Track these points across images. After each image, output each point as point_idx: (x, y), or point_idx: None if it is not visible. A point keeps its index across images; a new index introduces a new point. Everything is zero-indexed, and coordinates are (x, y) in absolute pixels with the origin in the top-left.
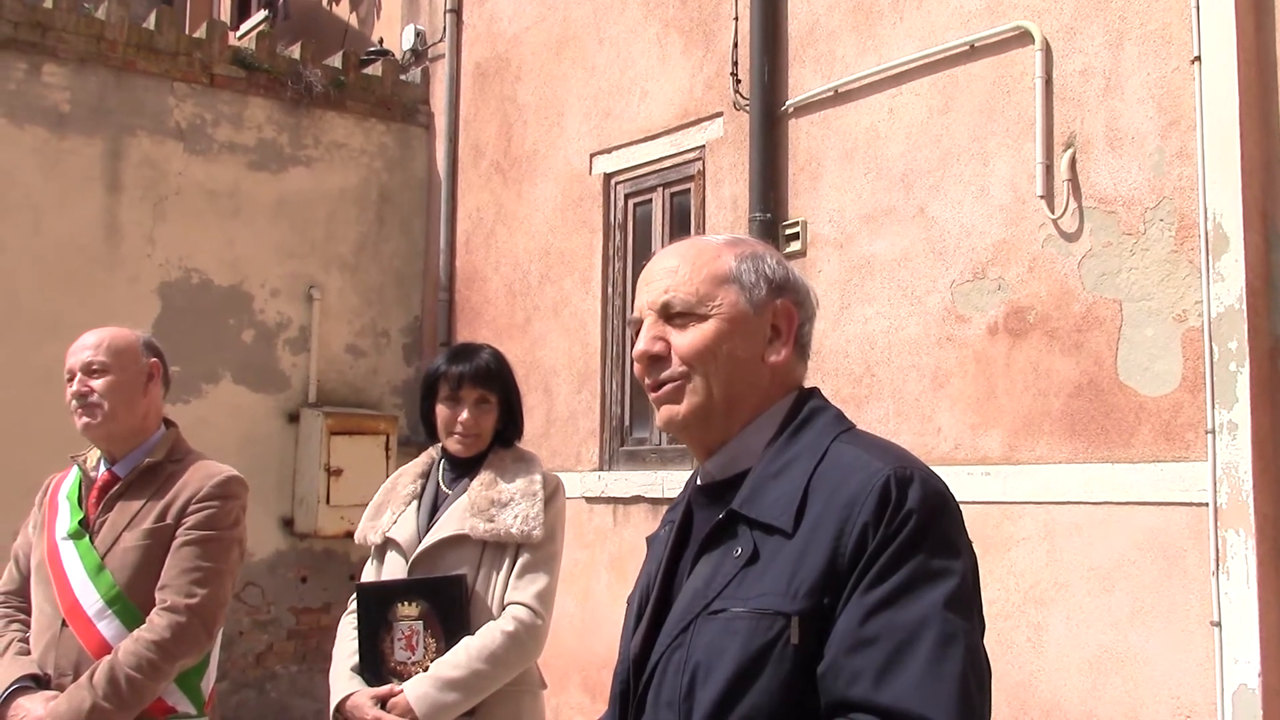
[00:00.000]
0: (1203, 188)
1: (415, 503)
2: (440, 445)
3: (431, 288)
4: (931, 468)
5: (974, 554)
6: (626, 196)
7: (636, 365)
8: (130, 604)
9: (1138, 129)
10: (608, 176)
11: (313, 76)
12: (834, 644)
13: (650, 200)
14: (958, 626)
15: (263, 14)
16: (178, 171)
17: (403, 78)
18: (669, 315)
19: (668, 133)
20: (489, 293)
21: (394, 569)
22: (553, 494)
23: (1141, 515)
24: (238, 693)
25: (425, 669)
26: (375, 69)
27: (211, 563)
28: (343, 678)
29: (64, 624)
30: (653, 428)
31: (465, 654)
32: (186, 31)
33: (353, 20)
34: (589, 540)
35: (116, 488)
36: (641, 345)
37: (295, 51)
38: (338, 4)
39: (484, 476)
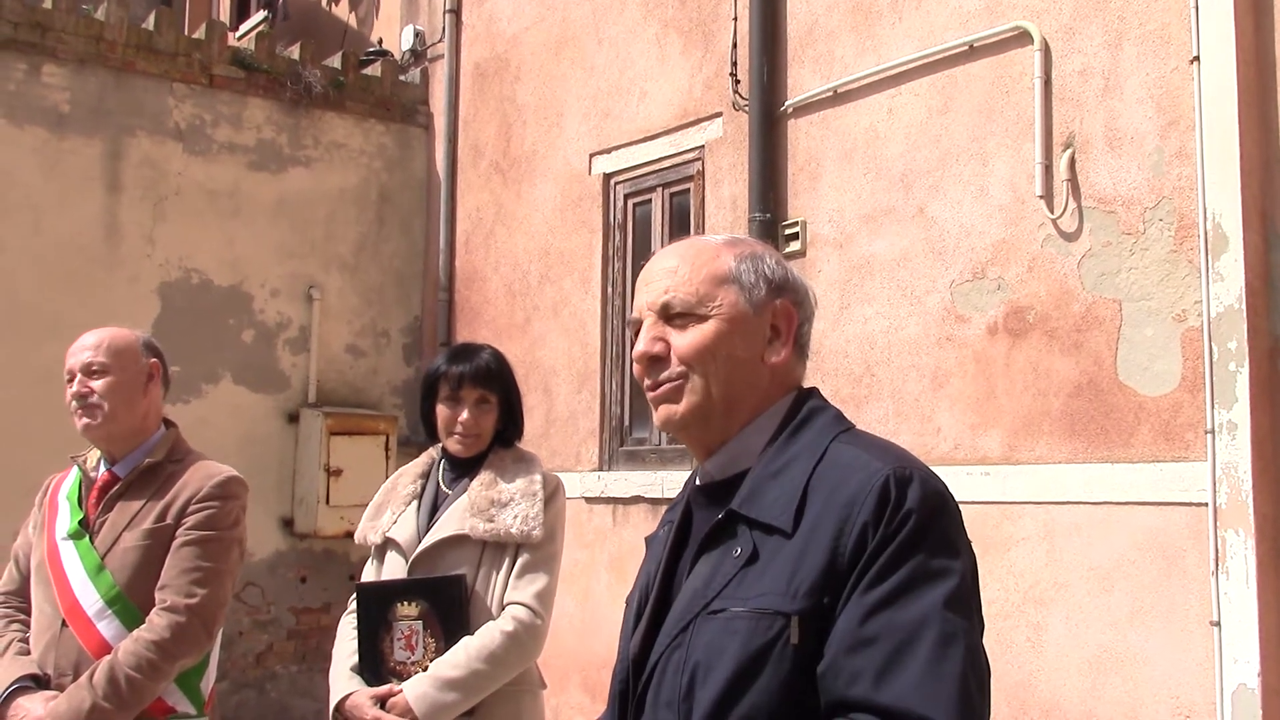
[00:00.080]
0: (1202, 187)
1: (415, 503)
2: (440, 445)
3: (431, 288)
4: (931, 468)
5: (973, 553)
6: (626, 196)
7: (636, 366)
8: (130, 604)
9: (1137, 129)
10: (607, 177)
11: (312, 77)
12: (834, 644)
13: (650, 200)
14: (957, 626)
15: (262, 14)
16: (177, 172)
17: (402, 78)
18: (669, 316)
19: (667, 133)
20: (489, 293)
21: (394, 569)
22: (553, 494)
23: (1141, 515)
24: (238, 693)
25: (425, 669)
26: (374, 69)
27: (211, 563)
28: (342, 677)
29: (64, 624)
30: (652, 428)
31: (465, 654)
32: (186, 32)
33: (352, 21)
34: (589, 540)
35: (116, 488)
36: (641, 346)
37: (294, 52)
38: (337, 4)
39: (484, 476)
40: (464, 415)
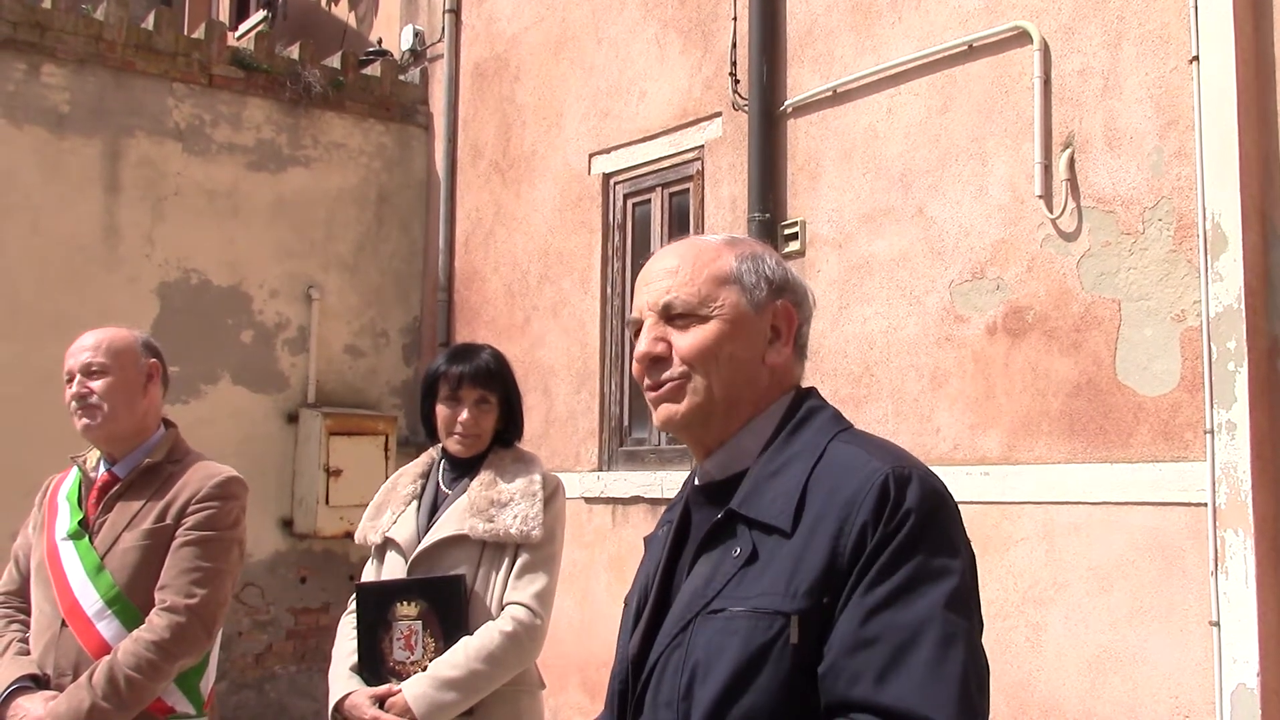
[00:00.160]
0: (1201, 187)
1: (415, 503)
2: (440, 445)
3: (430, 288)
4: (930, 468)
5: (972, 551)
6: (625, 196)
7: (636, 366)
8: (130, 604)
9: (1136, 129)
10: (606, 177)
11: (311, 77)
12: (835, 644)
13: (649, 200)
14: (958, 627)
15: (261, 14)
16: (176, 172)
17: (401, 78)
18: (670, 316)
19: (666, 133)
20: (488, 293)
21: (394, 569)
22: (552, 494)
23: (1140, 515)
24: (237, 693)
25: (424, 669)
26: (374, 69)
27: (211, 563)
28: (341, 677)
29: (63, 624)
30: (652, 428)
31: (464, 654)
32: (185, 32)
33: (351, 20)
34: (588, 540)
35: (116, 488)
36: (643, 347)
37: (294, 52)
38: (336, 4)
39: (484, 477)
40: (464, 415)
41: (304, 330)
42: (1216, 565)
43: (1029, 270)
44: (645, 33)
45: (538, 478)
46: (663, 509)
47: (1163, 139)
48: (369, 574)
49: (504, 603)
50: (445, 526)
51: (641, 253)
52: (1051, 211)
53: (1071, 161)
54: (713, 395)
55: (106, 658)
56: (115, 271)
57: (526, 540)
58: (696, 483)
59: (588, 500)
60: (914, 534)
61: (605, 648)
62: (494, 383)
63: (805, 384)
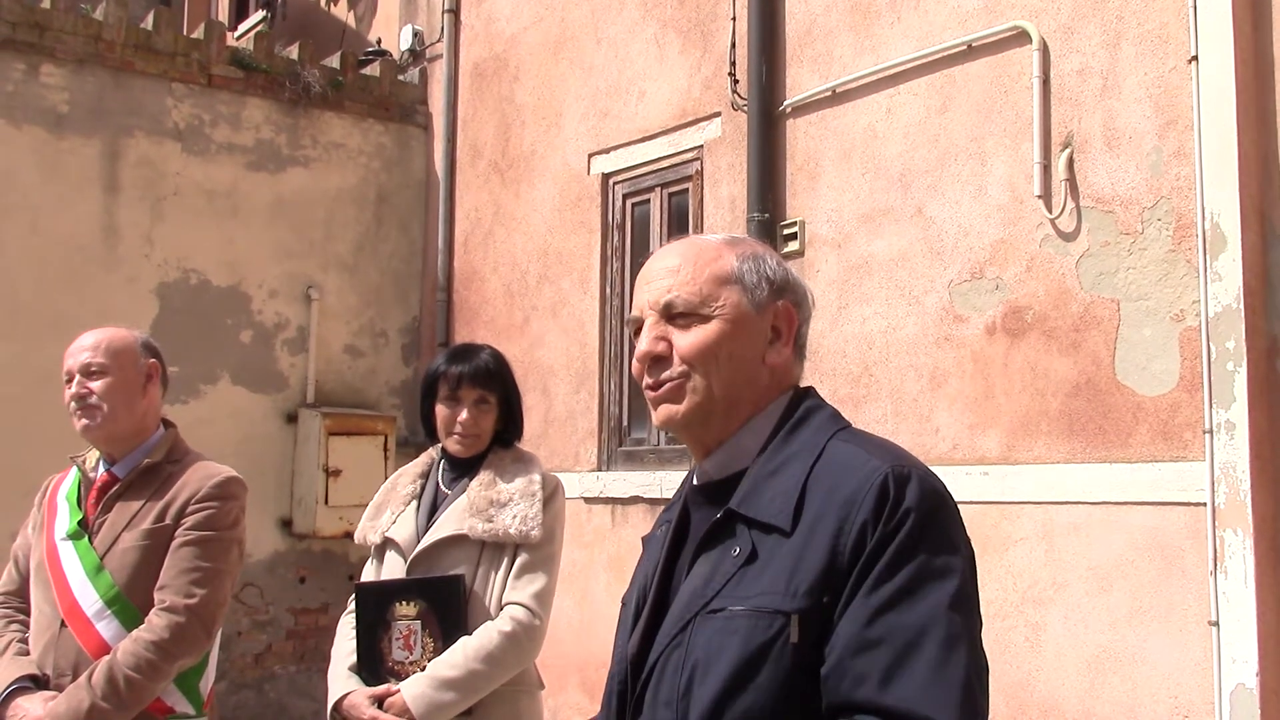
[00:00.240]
0: (1200, 187)
1: (415, 503)
2: (440, 445)
3: (430, 288)
4: (930, 468)
5: (972, 549)
6: (624, 196)
7: (636, 365)
8: (129, 604)
9: (1135, 128)
10: (606, 177)
11: (311, 77)
12: (838, 646)
13: (648, 200)
14: (961, 627)
15: (261, 14)
16: (176, 172)
17: (400, 78)
18: (671, 315)
19: (665, 133)
20: (487, 293)
21: (393, 569)
22: (552, 494)
23: (1139, 515)
24: (236, 693)
25: (423, 669)
26: (373, 69)
27: (210, 563)
28: (340, 677)
29: (63, 624)
30: (651, 428)
31: (462, 654)
32: (184, 32)
33: (350, 20)
34: (587, 540)
35: (116, 488)
36: (644, 346)
37: (293, 52)
38: (335, 4)
39: (483, 477)
40: (463, 415)
41: (303, 330)
42: (1216, 565)
43: (1028, 270)
44: (644, 33)
45: (537, 478)
46: (662, 509)
47: (1162, 139)
48: (368, 574)
49: (503, 603)
50: (444, 526)
51: (641, 253)
52: (1050, 211)
53: (1070, 161)
54: (713, 395)
55: (106, 658)
56: (114, 271)
57: (525, 540)
58: (695, 482)
59: (587, 500)
60: (914, 533)
61: (604, 648)
62: (493, 383)
63: (804, 384)
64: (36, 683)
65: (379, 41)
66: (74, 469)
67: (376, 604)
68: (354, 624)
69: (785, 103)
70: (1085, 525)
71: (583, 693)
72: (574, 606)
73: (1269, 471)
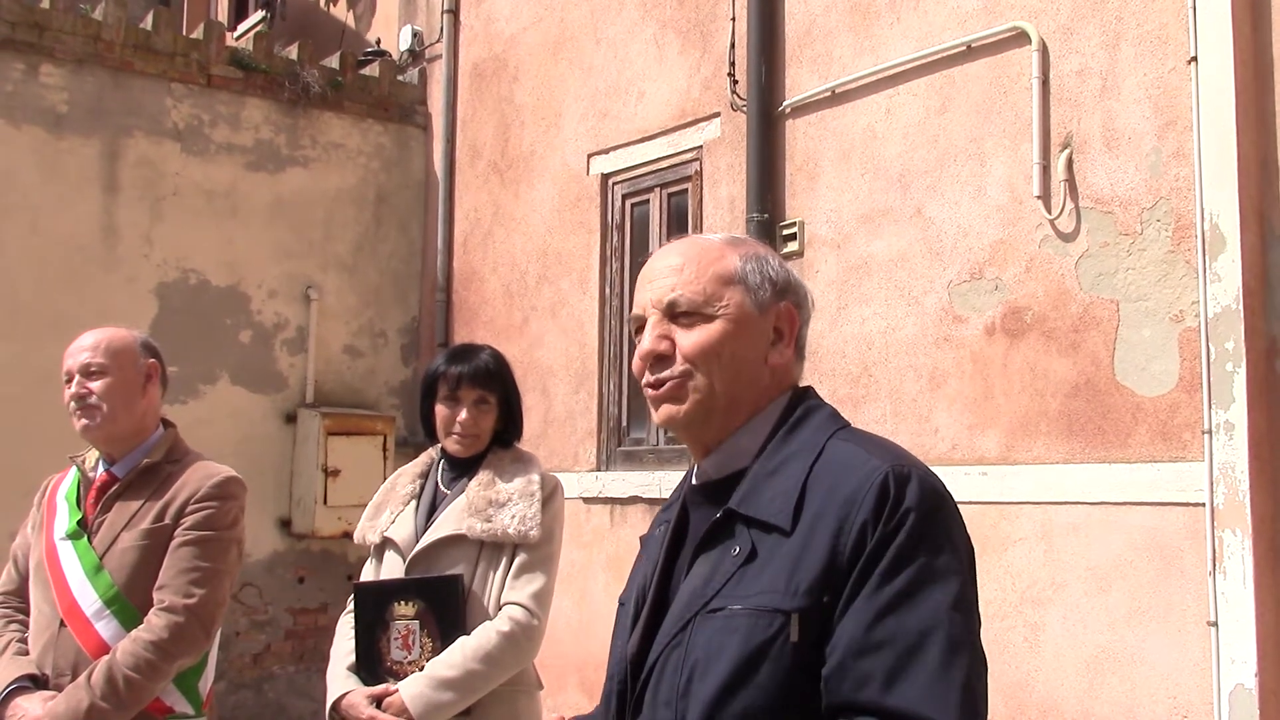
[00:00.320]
0: (1199, 188)
1: (414, 503)
2: (439, 445)
3: (429, 288)
4: (929, 467)
5: (972, 548)
6: (624, 197)
7: (637, 363)
8: (128, 604)
9: (1134, 129)
10: (605, 177)
11: (310, 77)
12: (840, 647)
13: (647, 201)
14: (963, 629)
15: (260, 15)
16: (175, 172)
17: (400, 78)
18: (674, 314)
19: (665, 133)
20: (486, 293)
21: (392, 569)
22: (551, 495)
23: (1138, 515)
24: (235, 693)
25: (421, 668)
26: (372, 69)
27: (210, 563)
28: (339, 677)
29: (62, 624)
30: (650, 428)
31: (461, 654)
32: (184, 32)
33: (350, 21)
34: (586, 541)
35: (115, 488)
36: (647, 344)
37: (292, 52)
38: (335, 4)
39: (482, 477)
40: (462, 415)
41: (302, 330)
42: (1214, 565)
43: (1027, 271)
44: (644, 33)
45: (536, 478)
46: (660, 509)
47: (1161, 140)
48: (368, 573)
49: (501, 603)
50: (443, 526)
51: (640, 253)
52: (1050, 212)
53: (1070, 162)
54: (715, 394)
55: (105, 658)
56: (114, 271)
57: (524, 540)
58: (694, 482)
59: (586, 500)
60: (915, 533)
61: (603, 648)
62: (493, 383)
63: (803, 384)
64: (36, 682)
65: (378, 42)
66: (73, 469)
67: (375, 604)
68: (353, 624)
69: (785, 103)
70: (1084, 525)
71: (581, 693)
72: (573, 607)
73: (1268, 472)
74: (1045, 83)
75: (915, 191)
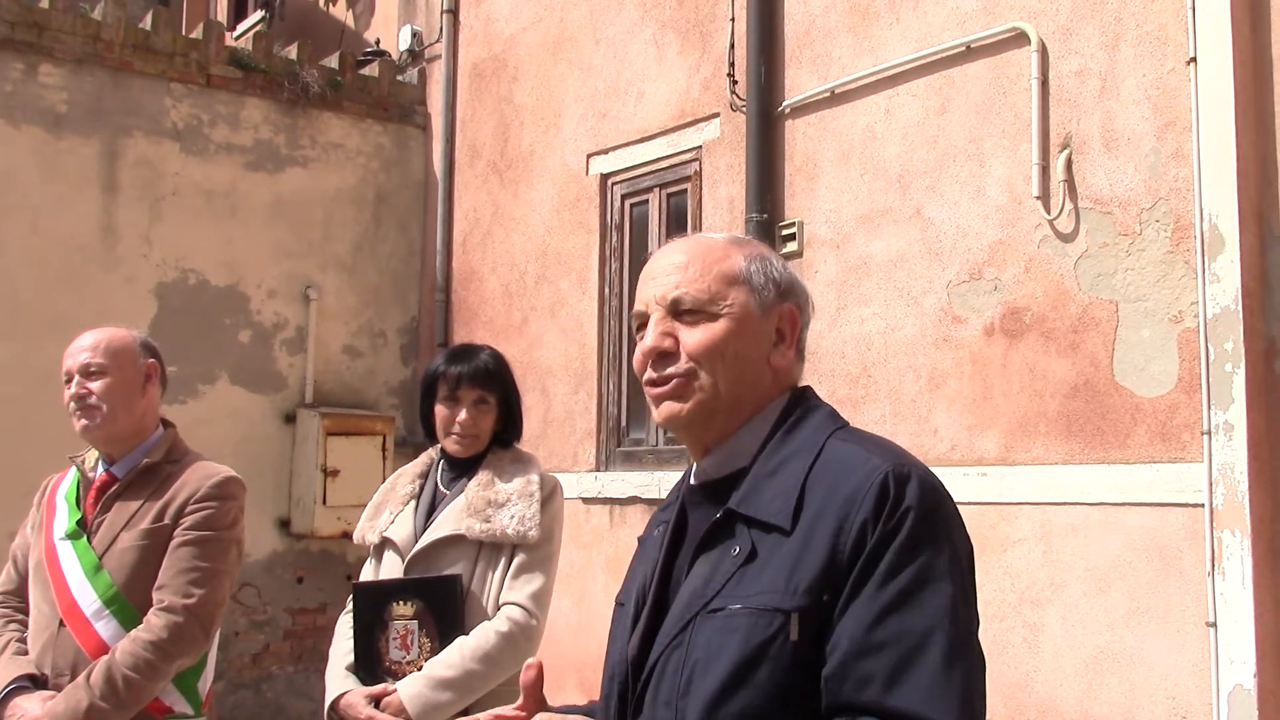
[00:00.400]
0: (1198, 189)
1: (413, 503)
2: (439, 446)
3: (428, 288)
4: (928, 467)
5: (971, 547)
6: (623, 197)
7: (639, 359)
8: (128, 604)
9: (1134, 130)
10: (604, 177)
11: (309, 77)
12: (841, 647)
13: (647, 201)
14: (963, 630)
15: (259, 14)
16: (174, 172)
17: (399, 78)
18: (678, 311)
19: (664, 133)
20: (486, 293)
21: (391, 569)
22: (550, 495)
23: (1138, 516)
24: (234, 693)
25: (419, 668)
26: (372, 69)
27: (209, 563)
28: (338, 676)
29: (61, 624)
30: (649, 428)
31: (459, 654)
32: (183, 32)
33: (349, 21)
34: (586, 541)
35: (115, 488)
36: (650, 341)
37: (292, 52)
38: (334, 4)
39: (481, 477)
40: (462, 416)
41: (302, 330)
42: (1213, 566)
43: (1026, 271)
44: (643, 33)
45: (535, 478)
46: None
47: (1160, 140)
48: (367, 573)
49: (500, 603)
50: (442, 526)
51: (639, 253)
52: (1049, 213)
53: (1069, 163)
54: (718, 393)
55: (104, 657)
56: (113, 271)
57: (523, 540)
58: (692, 482)
59: (585, 501)
60: (915, 533)
61: (602, 648)
62: (493, 383)
63: (801, 384)
64: (35, 682)
65: (378, 42)
66: (73, 469)
67: (374, 604)
68: (351, 624)
69: (784, 103)
70: (1083, 526)
71: (580, 693)
72: (572, 607)
73: (1267, 473)
74: (1044, 83)
75: (914, 192)
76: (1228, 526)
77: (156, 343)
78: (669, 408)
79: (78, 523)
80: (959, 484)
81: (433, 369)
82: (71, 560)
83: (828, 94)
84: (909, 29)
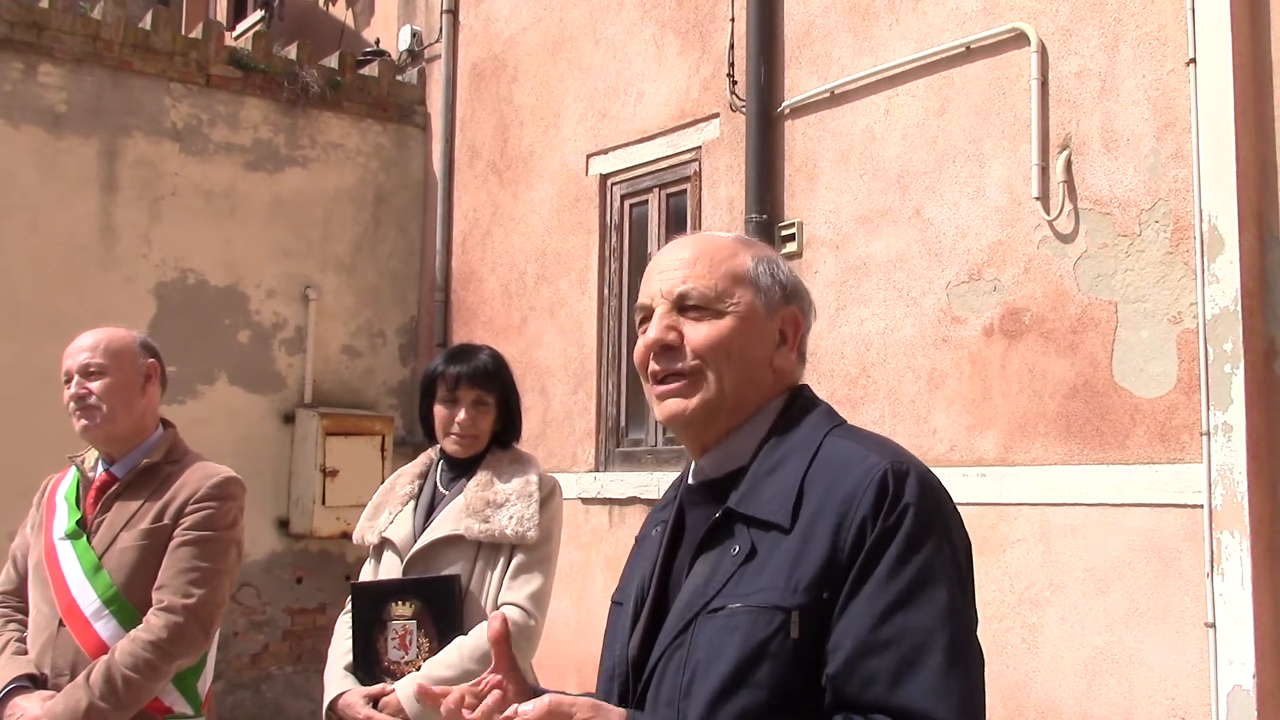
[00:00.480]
0: (1198, 190)
1: (412, 503)
2: (439, 446)
3: (428, 288)
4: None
5: (969, 543)
6: (623, 197)
7: (641, 352)
8: (127, 604)
9: (1133, 131)
10: (604, 177)
11: (309, 77)
12: (846, 646)
13: (646, 201)
14: (964, 626)
15: (259, 14)
16: (174, 172)
17: (399, 78)
18: (683, 307)
19: (664, 134)
20: (485, 293)
21: (390, 569)
22: (549, 495)
23: (1137, 517)
24: (233, 693)
25: (418, 668)
26: (371, 69)
27: (209, 563)
28: (336, 676)
29: (61, 624)
30: (648, 429)
31: (457, 654)
32: (183, 32)
33: (349, 21)
34: (585, 541)
35: (114, 488)
36: (654, 333)
37: (291, 52)
38: (334, 4)
39: (480, 477)
40: (461, 416)
41: (301, 330)
42: (1212, 567)
43: (1026, 272)
44: (643, 33)
45: (534, 478)
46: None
47: (1160, 141)
48: (366, 574)
49: (499, 603)
50: (441, 527)
51: (639, 254)
52: (1048, 213)
53: (1069, 163)
54: (723, 391)
55: (104, 657)
56: (112, 271)
57: (522, 541)
58: (690, 481)
59: (584, 501)
60: (915, 529)
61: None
62: (492, 383)
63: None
64: (34, 682)
65: (377, 42)
66: (72, 469)
67: (372, 604)
68: (350, 624)
69: (783, 104)
70: (1082, 527)
71: (579, 693)
72: (571, 607)
73: (1266, 473)
74: (1044, 84)
75: (914, 192)
76: (1227, 527)
77: (156, 343)
78: (673, 404)
79: (77, 523)
80: (958, 484)
81: (432, 369)
82: (71, 560)
83: (827, 94)
84: (909, 29)
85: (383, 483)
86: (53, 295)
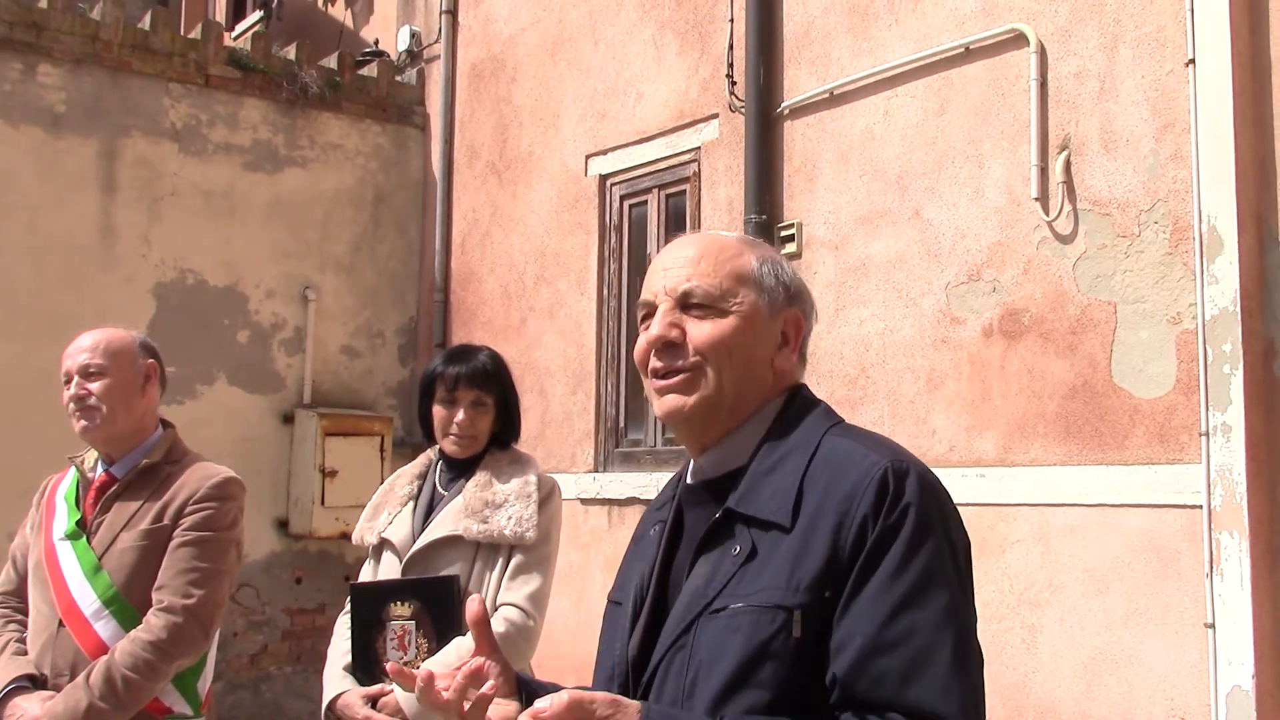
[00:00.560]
0: (1197, 190)
1: (411, 503)
2: (438, 446)
3: (427, 289)
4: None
5: (969, 542)
6: (622, 198)
7: (642, 348)
8: (127, 604)
9: (1132, 131)
10: (603, 178)
11: (308, 77)
12: (854, 645)
13: (646, 202)
14: (966, 626)
15: (258, 15)
16: (173, 172)
17: (398, 79)
18: (687, 304)
19: (663, 134)
20: (484, 294)
21: (389, 569)
22: (547, 496)
23: (1136, 517)
24: (233, 693)
25: (417, 669)
26: (371, 70)
27: (208, 563)
28: (335, 677)
29: (61, 624)
30: (648, 429)
31: (456, 654)
32: (182, 32)
33: (348, 21)
34: (584, 542)
35: (114, 488)
36: (657, 330)
37: (291, 52)
38: (333, 5)
39: (479, 478)
40: (460, 416)
41: (300, 331)
42: (1212, 567)
43: (1025, 272)
44: (642, 34)
45: (533, 479)
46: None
47: (1159, 142)
48: (365, 574)
49: (497, 604)
50: (440, 527)
51: (638, 254)
52: (1048, 214)
53: (1068, 164)
54: (723, 390)
55: (104, 658)
56: (112, 271)
57: (520, 541)
58: (688, 480)
59: (583, 501)
60: (917, 528)
61: None
62: (491, 384)
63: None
64: (34, 682)
65: (376, 42)
66: (72, 469)
67: (371, 604)
68: (349, 624)
69: (783, 104)
70: (1082, 527)
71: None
72: (570, 608)
73: (1265, 474)
74: (1043, 85)
75: (913, 193)
76: (1226, 528)
77: (155, 343)
78: (673, 401)
79: (77, 523)
80: (957, 485)
81: (431, 369)
82: (71, 560)
83: (827, 95)
84: (908, 30)
85: (382, 483)
86: (52, 295)
